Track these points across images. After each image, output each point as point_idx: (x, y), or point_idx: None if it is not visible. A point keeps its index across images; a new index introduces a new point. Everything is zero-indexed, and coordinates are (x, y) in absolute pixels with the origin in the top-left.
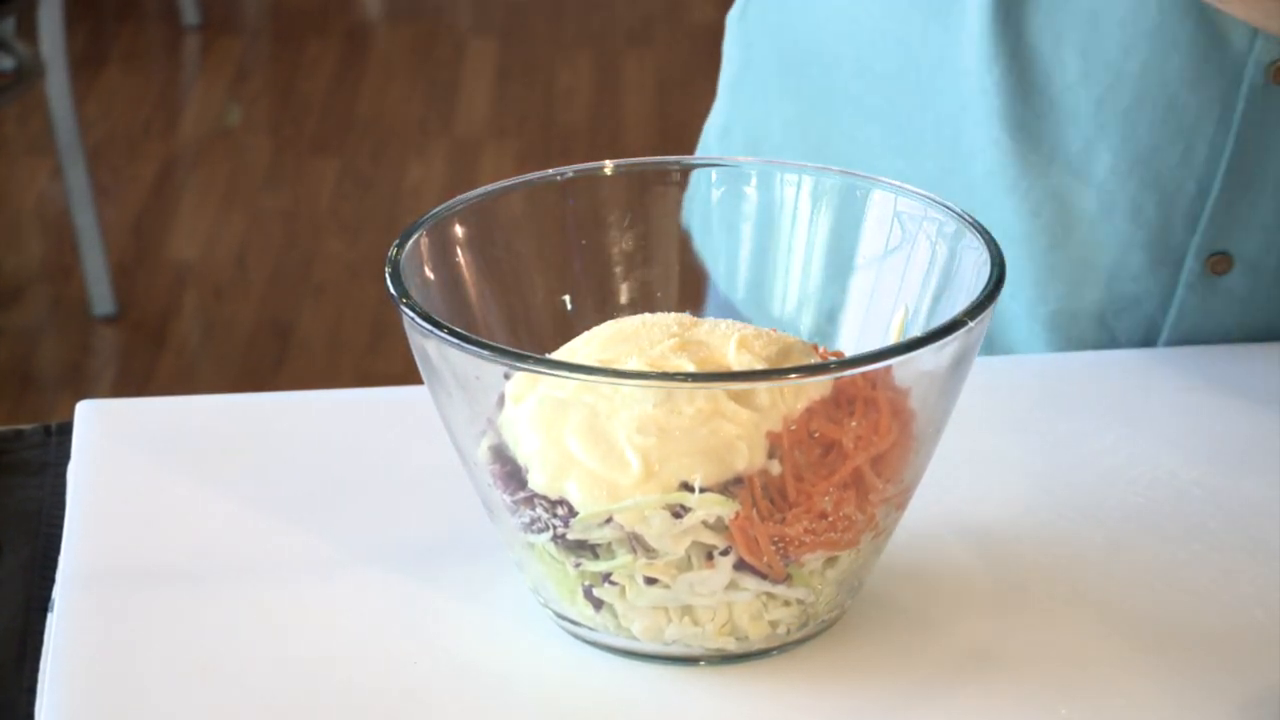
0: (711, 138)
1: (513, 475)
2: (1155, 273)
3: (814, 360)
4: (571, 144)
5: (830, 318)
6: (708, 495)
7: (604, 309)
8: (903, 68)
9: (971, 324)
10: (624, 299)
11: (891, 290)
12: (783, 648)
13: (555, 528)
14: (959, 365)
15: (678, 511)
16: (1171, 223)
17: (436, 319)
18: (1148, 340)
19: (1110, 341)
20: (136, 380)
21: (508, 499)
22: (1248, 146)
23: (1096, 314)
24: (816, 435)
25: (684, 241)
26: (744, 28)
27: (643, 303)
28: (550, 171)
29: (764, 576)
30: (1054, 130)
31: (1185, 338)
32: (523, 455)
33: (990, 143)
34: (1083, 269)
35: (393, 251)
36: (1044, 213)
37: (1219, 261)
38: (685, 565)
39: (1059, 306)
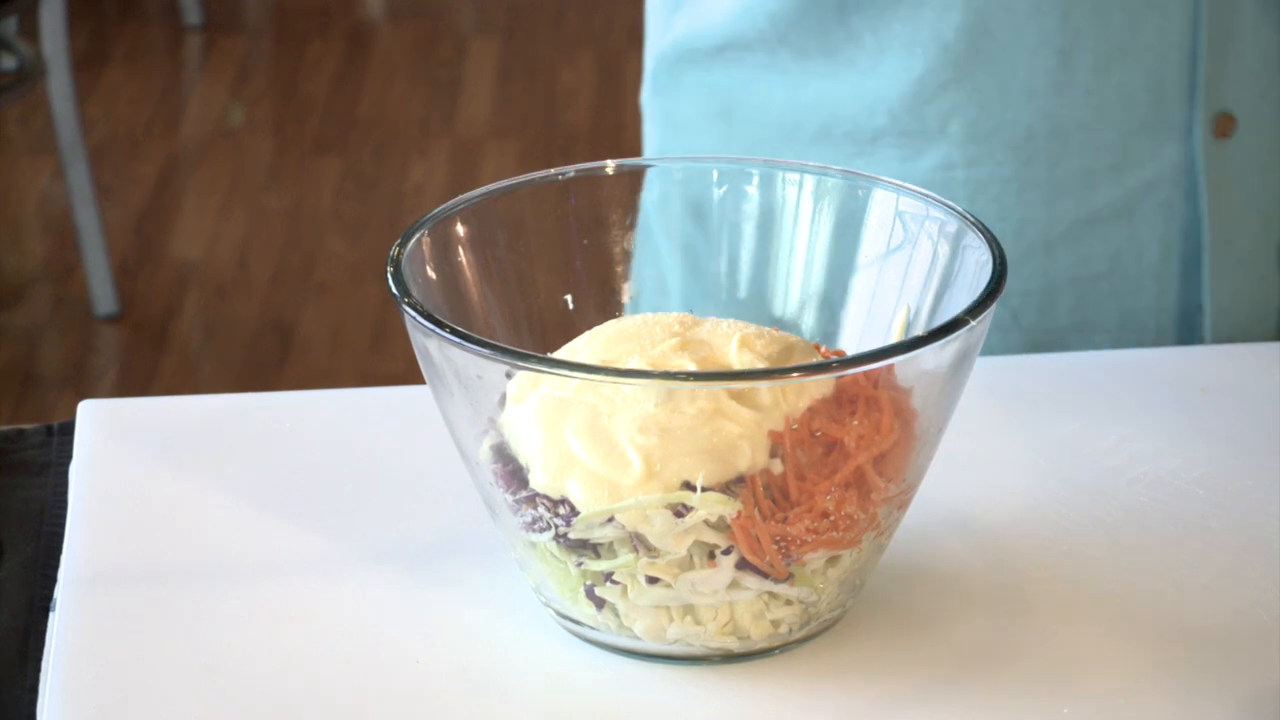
0: (651, 209)
1: (514, 474)
2: (1162, 151)
3: (816, 359)
4: (573, 143)
5: (832, 317)
6: (709, 494)
7: (606, 308)
8: (839, 74)
9: (973, 323)
10: (625, 298)
11: (893, 289)
12: (785, 647)
13: (557, 527)
14: (961, 364)
15: (680, 511)
16: (1166, 96)
17: (438, 318)
18: (1169, 227)
19: (1134, 238)
20: (138, 380)
21: (509, 498)
22: None
23: (1114, 212)
24: (818, 434)
25: (686, 240)
26: (659, 100)
27: (644, 302)
28: (552, 171)
29: (766, 576)
30: (1028, 59)
31: (1222, 215)
32: (524, 454)
33: (965, 101)
34: (1089, 174)
35: (395, 251)
36: (1038, 136)
37: (1224, 122)
38: (687, 564)
39: (1076, 217)
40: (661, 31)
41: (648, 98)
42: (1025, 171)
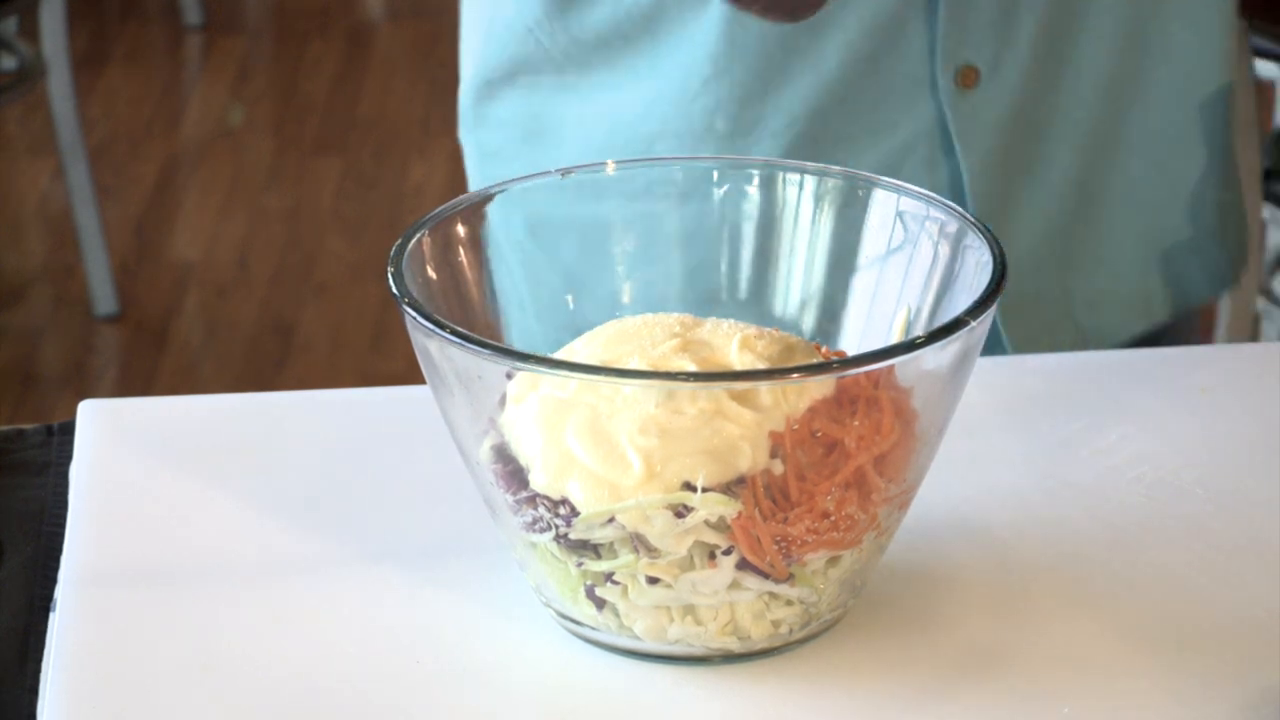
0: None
1: (515, 475)
2: (915, 109)
3: (816, 360)
4: None
5: (832, 317)
6: (710, 495)
7: (606, 309)
8: (621, 84)
9: (974, 323)
10: (626, 299)
11: (894, 290)
12: (785, 647)
13: (557, 527)
14: (961, 364)
15: (680, 511)
16: (910, 55)
17: (438, 318)
18: (935, 183)
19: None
20: (138, 380)
21: (510, 498)
22: None
23: (876, 171)
24: (819, 435)
25: (688, 239)
26: (470, 135)
27: (645, 303)
28: (553, 171)
29: (766, 576)
30: (780, 43)
31: (978, 164)
32: (524, 455)
33: (726, 96)
34: (852, 144)
35: (395, 251)
36: (798, 120)
37: (966, 74)
38: (688, 565)
39: None
40: (466, 67)
41: (462, 134)
42: (791, 156)
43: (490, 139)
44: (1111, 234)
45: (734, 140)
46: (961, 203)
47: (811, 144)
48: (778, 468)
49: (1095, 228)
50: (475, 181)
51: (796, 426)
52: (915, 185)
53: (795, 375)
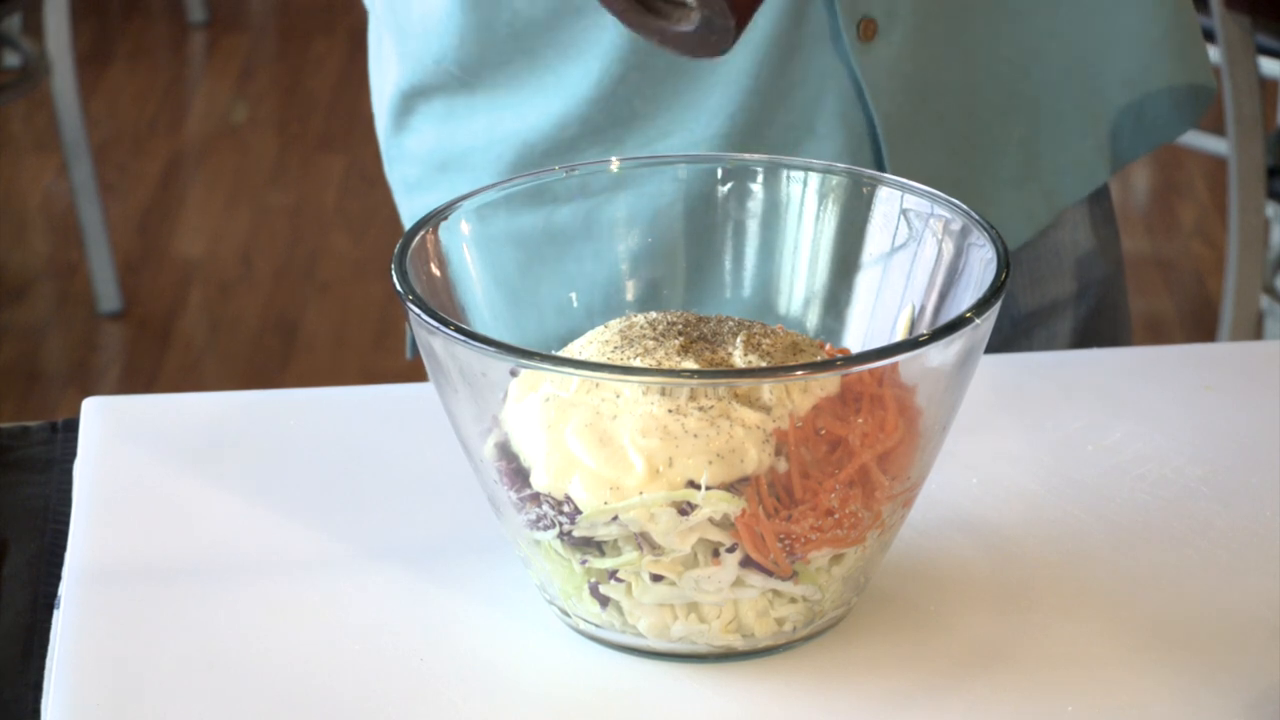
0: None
1: (518, 472)
2: (819, 63)
3: (820, 358)
4: None
5: (837, 315)
6: (714, 492)
7: (610, 307)
8: (529, 100)
9: (978, 321)
10: (629, 297)
11: (898, 287)
12: (789, 645)
13: (561, 525)
14: (965, 362)
15: (684, 509)
16: (809, 9)
17: (443, 316)
18: (852, 138)
19: (816, 142)
20: (142, 377)
21: (514, 496)
22: None
23: (797, 133)
24: (823, 433)
25: (692, 237)
26: (393, 170)
27: (648, 301)
28: (556, 168)
29: (770, 574)
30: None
31: (891, 116)
32: (526, 455)
33: (643, 81)
34: (767, 103)
35: (399, 248)
36: (713, 87)
37: (867, 26)
38: (691, 562)
39: (770, 142)
40: (379, 101)
41: (386, 169)
42: (711, 124)
43: (410, 172)
44: (1050, 134)
45: (656, 118)
46: (877, 152)
47: (729, 110)
48: (782, 465)
49: (1027, 144)
50: (405, 214)
51: (801, 424)
52: (832, 142)
53: (799, 373)
